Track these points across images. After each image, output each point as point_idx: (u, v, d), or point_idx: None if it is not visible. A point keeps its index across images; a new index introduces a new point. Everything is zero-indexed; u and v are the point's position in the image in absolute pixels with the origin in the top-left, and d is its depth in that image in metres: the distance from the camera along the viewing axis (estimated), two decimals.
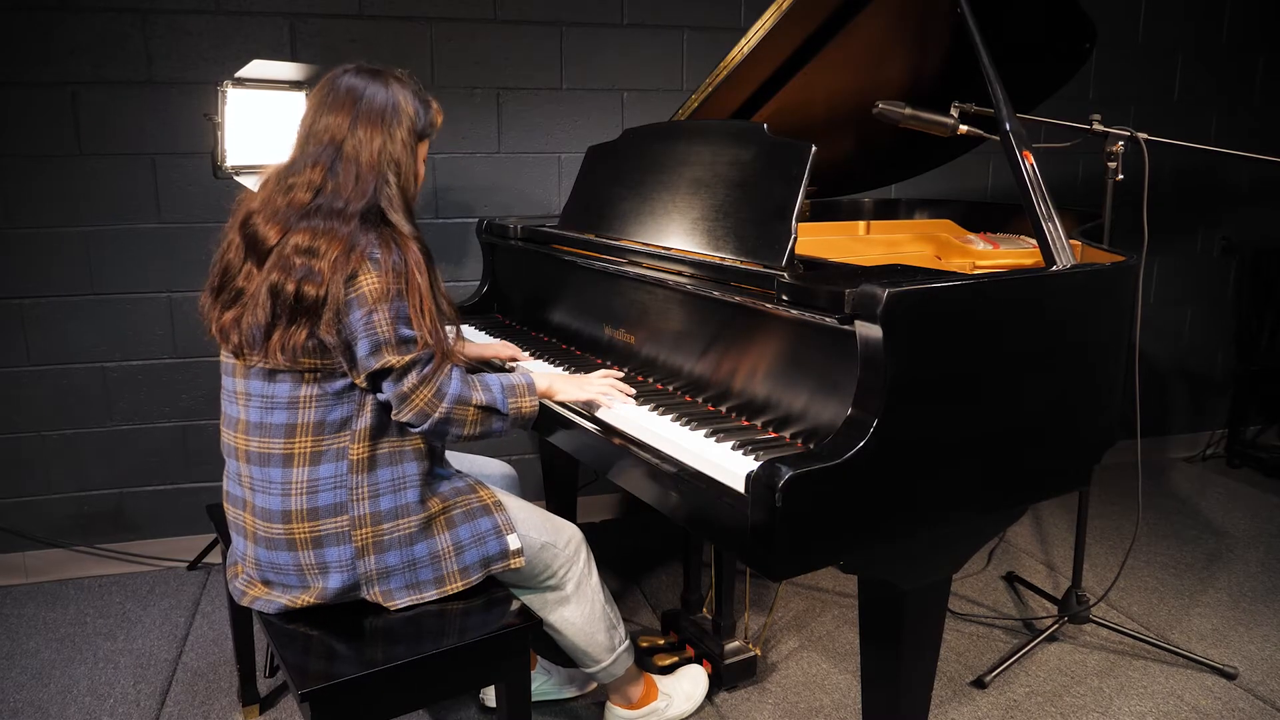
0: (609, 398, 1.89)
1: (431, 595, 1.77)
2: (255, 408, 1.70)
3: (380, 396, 1.69)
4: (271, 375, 1.68)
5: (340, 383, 1.69)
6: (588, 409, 1.91)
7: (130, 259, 2.99)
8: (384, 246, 1.64)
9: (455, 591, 1.79)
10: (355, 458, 1.70)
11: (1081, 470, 1.83)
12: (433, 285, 1.71)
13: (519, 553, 1.84)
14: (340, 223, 1.63)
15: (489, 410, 1.75)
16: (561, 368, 2.21)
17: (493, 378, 1.79)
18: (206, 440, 3.15)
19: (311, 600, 1.73)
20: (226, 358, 1.75)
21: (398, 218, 1.70)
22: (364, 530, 1.71)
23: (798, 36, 2.26)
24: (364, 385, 1.68)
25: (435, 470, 1.84)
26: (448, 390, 1.69)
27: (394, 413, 1.68)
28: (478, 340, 2.47)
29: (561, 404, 1.95)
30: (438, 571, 1.77)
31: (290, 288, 1.60)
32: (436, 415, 1.68)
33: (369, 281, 1.61)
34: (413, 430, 1.73)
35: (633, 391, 1.92)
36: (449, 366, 1.71)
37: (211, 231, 2.93)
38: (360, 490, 1.70)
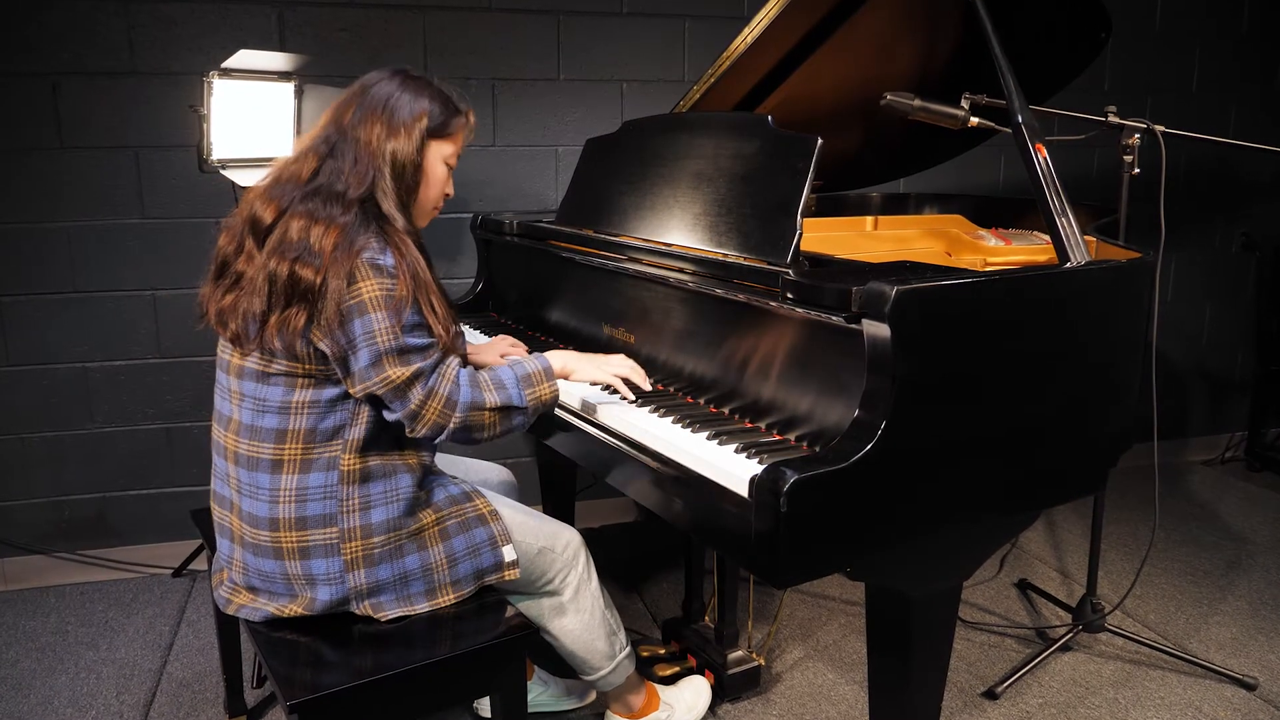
0: (628, 378, 1.86)
1: (423, 607, 1.75)
2: (248, 409, 1.68)
3: (390, 417, 1.66)
4: (265, 377, 1.66)
5: (334, 391, 1.66)
6: (589, 413, 1.87)
7: (113, 255, 2.97)
8: (384, 249, 1.62)
9: (447, 604, 1.78)
10: (346, 468, 1.68)
11: (1096, 474, 1.82)
12: (436, 281, 1.71)
13: (514, 564, 1.82)
14: (339, 209, 1.63)
15: (506, 410, 1.72)
16: None
17: (506, 371, 1.75)
18: (192, 443, 3.14)
19: (299, 611, 1.71)
20: (223, 351, 1.74)
21: (391, 210, 1.69)
22: (354, 544, 1.68)
23: (803, 25, 2.23)
24: (359, 396, 1.65)
25: (430, 480, 1.82)
26: (458, 399, 1.66)
27: (409, 430, 1.66)
28: (475, 342, 2.42)
29: (564, 406, 1.92)
30: (430, 584, 1.75)
31: (285, 271, 1.58)
32: (452, 426, 1.66)
33: (370, 289, 1.59)
34: (434, 443, 1.72)
35: (649, 379, 1.89)
36: (453, 371, 1.67)
37: (198, 227, 2.99)
38: (351, 502, 1.68)
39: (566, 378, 1.86)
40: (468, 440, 1.70)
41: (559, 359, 1.84)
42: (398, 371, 1.60)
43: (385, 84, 1.74)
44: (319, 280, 1.57)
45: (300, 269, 1.57)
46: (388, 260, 1.60)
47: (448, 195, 1.85)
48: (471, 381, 1.69)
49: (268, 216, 1.64)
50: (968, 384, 1.52)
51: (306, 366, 1.63)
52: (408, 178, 1.73)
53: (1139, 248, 1.95)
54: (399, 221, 1.69)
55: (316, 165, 1.68)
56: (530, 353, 2.26)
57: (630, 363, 1.90)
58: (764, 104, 2.47)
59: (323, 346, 1.60)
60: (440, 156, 1.79)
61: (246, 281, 1.64)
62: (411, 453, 1.75)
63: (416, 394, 1.62)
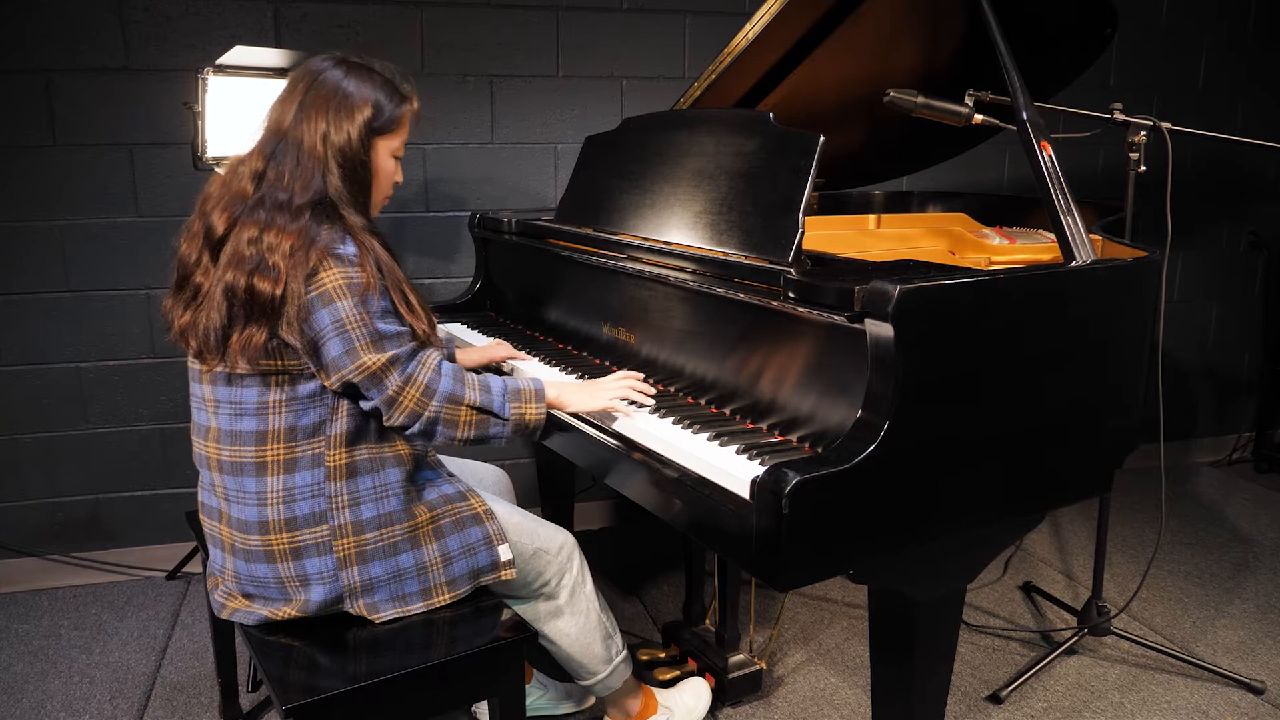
0: (626, 402, 1.81)
1: (418, 608, 1.74)
2: (224, 414, 1.66)
3: (365, 405, 1.64)
4: (238, 379, 1.63)
5: (309, 386, 1.64)
6: (602, 419, 1.84)
7: (107, 254, 2.96)
8: (345, 238, 1.60)
9: (443, 604, 1.76)
10: (332, 464, 1.65)
11: (1102, 475, 1.80)
12: (406, 277, 1.69)
13: (510, 564, 1.80)
14: (287, 217, 1.58)
15: (484, 412, 1.69)
16: (559, 368, 2.17)
17: (495, 379, 1.74)
18: (186, 444, 3.04)
19: (293, 613, 1.69)
20: (192, 362, 1.71)
21: (347, 211, 1.65)
22: (346, 540, 1.67)
23: (805, 21, 2.22)
24: (336, 389, 1.63)
25: (422, 476, 1.80)
26: (437, 387, 1.64)
27: (385, 418, 1.64)
28: (471, 342, 2.44)
29: (574, 414, 1.88)
30: (424, 583, 1.73)
31: (243, 284, 1.55)
32: (427, 414, 1.63)
33: (333, 279, 1.56)
34: (404, 434, 1.68)
35: (652, 391, 1.86)
36: (434, 360, 1.65)
37: None
38: (340, 498, 1.66)
39: (560, 409, 1.83)
40: (434, 436, 1.66)
41: (554, 388, 1.80)
42: (372, 358, 1.57)
43: (327, 78, 1.66)
44: (279, 291, 1.54)
45: (259, 282, 1.54)
46: (349, 249, 1.58)
47: (397, 183, 1.79)
48: (455, 375, 1.67)
49: (220, 227, 1.60)
50: (972, 384, 1.51)
51: (277, 364, 1.60)
52: (359, 177, 1.68)
53: (1145, 246, 1.94)
54: (356, 220, 1.64)
55: (261, 169, 1.63)
56: (527, 356, 2.26)
57: (628, 381, 1.86)
58: (765, 101, 2.46)
59: (291, 340, 1.57)
60: (388, 151, 1.74)
61: (204, 296, 1.61)
62: (400, 444, 1.72)
63: (394, 380, 1.60)
